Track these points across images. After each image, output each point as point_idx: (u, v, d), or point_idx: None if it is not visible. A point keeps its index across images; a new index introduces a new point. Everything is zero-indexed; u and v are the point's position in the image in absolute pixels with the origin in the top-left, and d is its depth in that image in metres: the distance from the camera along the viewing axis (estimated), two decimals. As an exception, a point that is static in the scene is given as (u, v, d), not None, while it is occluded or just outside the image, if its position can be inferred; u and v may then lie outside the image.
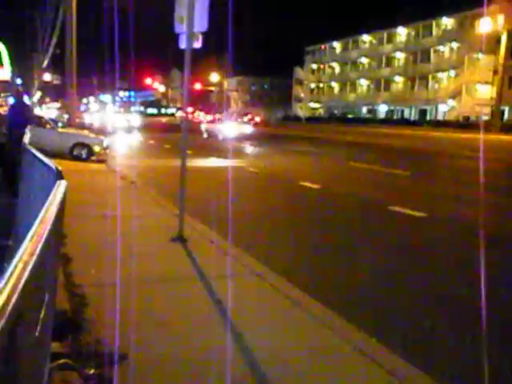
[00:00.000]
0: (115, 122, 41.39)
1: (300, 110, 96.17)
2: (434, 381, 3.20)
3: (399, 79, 74.04)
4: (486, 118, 54.49)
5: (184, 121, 7.09)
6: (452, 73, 64.15)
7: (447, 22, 66.12)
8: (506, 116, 55.23)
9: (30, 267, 1.31)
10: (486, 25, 51.48)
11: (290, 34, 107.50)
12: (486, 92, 57.15)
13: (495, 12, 51.71)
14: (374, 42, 79.88)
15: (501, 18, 52.27)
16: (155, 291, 4.63)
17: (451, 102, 63.77)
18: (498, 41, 48.62)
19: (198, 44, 6.14)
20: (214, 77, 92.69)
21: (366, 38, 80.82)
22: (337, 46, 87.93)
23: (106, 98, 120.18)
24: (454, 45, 63.93)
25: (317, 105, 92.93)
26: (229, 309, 4.18)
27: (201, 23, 6.07)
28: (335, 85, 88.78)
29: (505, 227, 8.31)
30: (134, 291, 4.58)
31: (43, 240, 1.42)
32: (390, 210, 9.11)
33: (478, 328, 3.81)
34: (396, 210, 9.12)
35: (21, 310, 1.20)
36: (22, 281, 1.22)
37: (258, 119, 60.61)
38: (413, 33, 71.97)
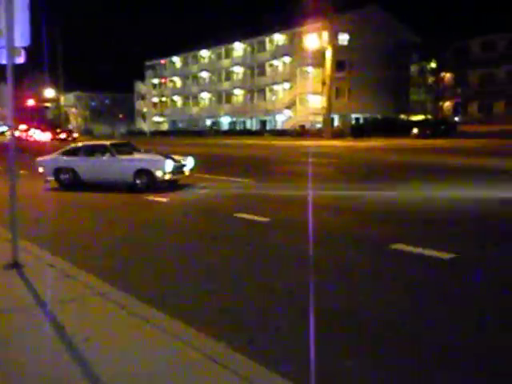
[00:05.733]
0: None
1: (144, 125, 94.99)
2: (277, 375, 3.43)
3: (239, 92, 77.09)
4: (319, 125, 59.10)
5: (12, 140, 6.60)
6: (286, 85, 68.60)
7: (279, 38, 70.65)
8: (336, 123, 60.50)
9: None
10: (312, 41, 55.87)
11: (129, 50, 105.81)
12: (317, 102, 62.06)
13: (320, 29, 56.50)
14: (212, 56, 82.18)
15: (325, 35, 57.21)
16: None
17: (288, 112, 68.12)
18: (324, 55, 52.98)
19: (20, 59, 5.80)
20: (49, 92, 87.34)
21: (205, 53, 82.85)
22: (177, 60, 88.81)
23: None
24: (287, 59, 68.49)
25: (161, 119, 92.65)
26: (74, 335, 4.01)
27: (23, 37, 5.75)
28: (178, 99, 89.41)
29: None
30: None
31: None
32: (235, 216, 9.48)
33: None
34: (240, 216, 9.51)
35: None
36: None
37: (75, 135, 67.46)
38: (249, 48, 75.54)
